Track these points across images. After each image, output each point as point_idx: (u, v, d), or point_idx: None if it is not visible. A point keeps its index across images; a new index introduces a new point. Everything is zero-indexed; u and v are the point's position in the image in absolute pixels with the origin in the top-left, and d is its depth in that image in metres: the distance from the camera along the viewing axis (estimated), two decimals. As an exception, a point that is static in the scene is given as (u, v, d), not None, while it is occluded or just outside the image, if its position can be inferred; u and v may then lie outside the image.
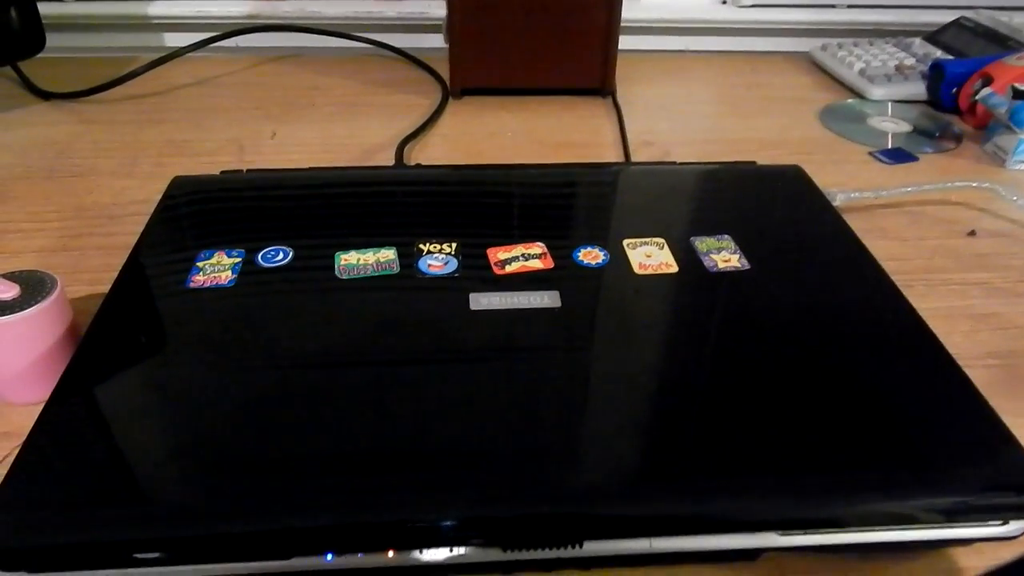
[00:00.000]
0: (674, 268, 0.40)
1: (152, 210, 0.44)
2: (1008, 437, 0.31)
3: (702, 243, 0.42)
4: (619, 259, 0.40)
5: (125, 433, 0.30)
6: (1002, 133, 0.62)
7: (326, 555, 0.28)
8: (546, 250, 0.41)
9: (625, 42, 0.72)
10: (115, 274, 0.38)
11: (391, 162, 0.58)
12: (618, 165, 0.57)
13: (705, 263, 0.40)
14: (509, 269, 0.39)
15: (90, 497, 0.27)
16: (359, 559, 0.28)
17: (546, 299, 0.37)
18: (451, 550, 0.28)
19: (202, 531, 0.27)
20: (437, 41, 0.73)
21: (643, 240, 0.42)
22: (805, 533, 0.29)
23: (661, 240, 0.42)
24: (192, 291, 0.37)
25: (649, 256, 0.41)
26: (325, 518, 0.27)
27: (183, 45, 0.71)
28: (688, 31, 0.87)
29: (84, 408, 0.31)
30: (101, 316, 0.36)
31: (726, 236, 0.42)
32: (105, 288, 0.38)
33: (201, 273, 0.38)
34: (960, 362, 0.35)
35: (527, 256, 0.40)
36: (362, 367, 0.33)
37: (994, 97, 0.63)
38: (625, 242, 0.42)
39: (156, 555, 0.27)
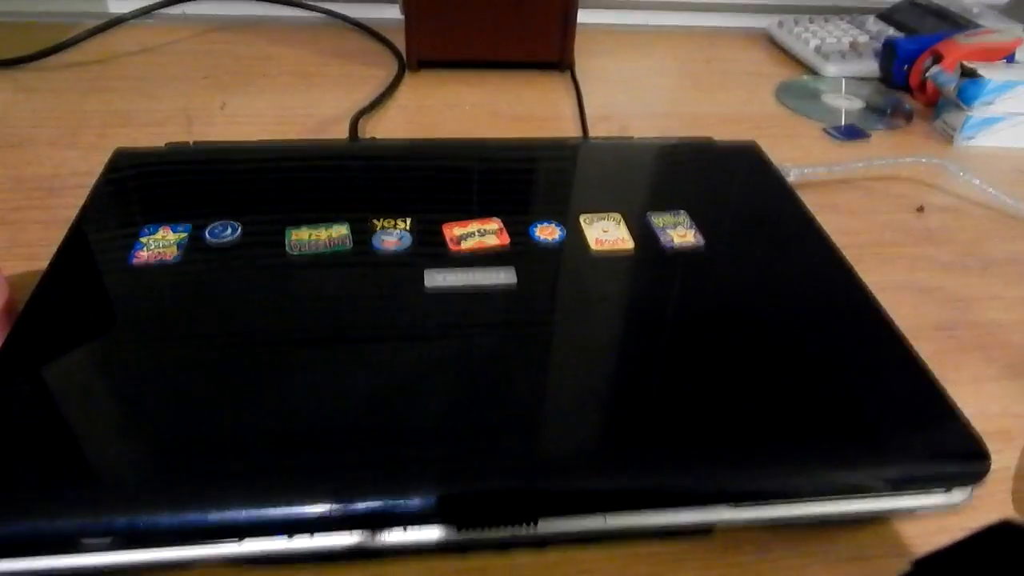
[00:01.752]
0: (630, 244, 0.40)
1: (94, 183, 0.42)
2: (950, 408, 0.32)
3: (658, 219, 0.42)
4: (576, 235, 0.40)
5: (65, 415, 0.29)
6: (951, 110, 0.63)
7: (278, 537, 0.27)
8: (502, 226, 0.40)
9: (584, 16, 0.71)
10: (54, 249, 0.37)
11: (345, 135, 0.57)
12: (576, 140, 0.57)
13: (661, 239, 0.40)
14: (465, 245, 0.39)
15: (30, 481, 0.26)
16: (312, 540, 0.27)
17: (502, 276, 0.37)
18: (405, 530, 0.28)
19: (148, 515, 0.26)
20: (393, 12, 0.71)
21: (600, 216, 0.42)
22: (757, 505, 0.29)
23: (618, 216, 0.42)
24: (135, 267, 0.36)
25: (606, 232, 0.41)
26: (276, 500, 0.27)
27: (128, 11, 0.68)
28: (647, 6, 0.86)
29: (21, 389, 0.30)
30: (39, 293, 0.34)
31: (682, 212, 0.43)
32: (44, 264, 0.36)
33: (145, 249, 0.37)
34: (907, 334, 0.35)
35: (483, 232, 0.40)
36: (313, 345, 0.33)
37: (943, 75, 0.64)
38: (582, 218, 0.42)
39: (104, 540, 0.26)
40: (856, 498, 0.30)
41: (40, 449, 0.27)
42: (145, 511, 0.26)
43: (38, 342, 0.32)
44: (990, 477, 0.30)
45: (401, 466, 0.28)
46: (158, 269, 0.36)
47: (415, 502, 0.27)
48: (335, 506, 0.27)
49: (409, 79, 0.68)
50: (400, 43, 0.70)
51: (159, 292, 0.35)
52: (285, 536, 0.27)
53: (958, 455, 0.30)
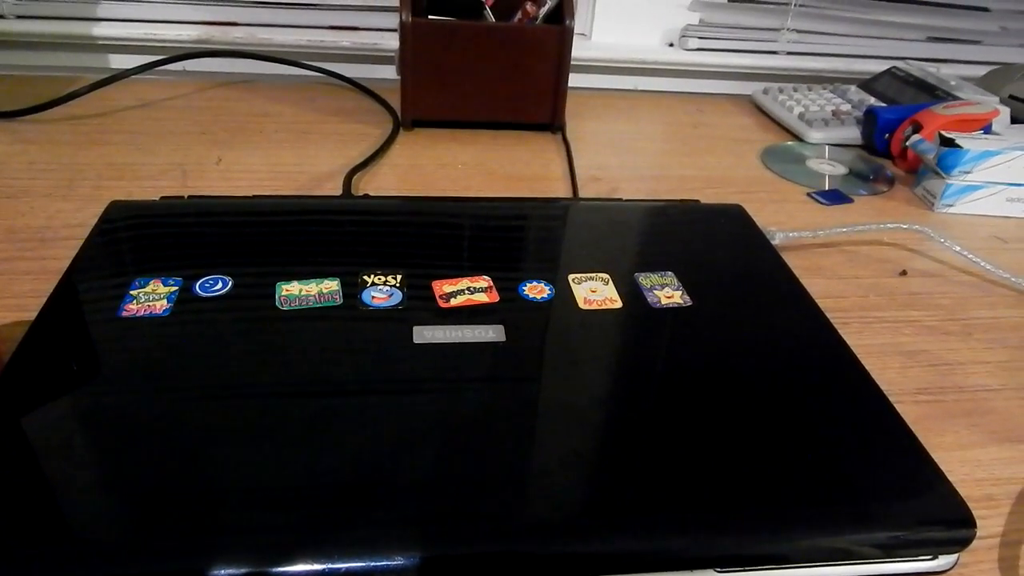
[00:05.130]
0: (618, 303, 0.40)
1: (87, 235, 0.43)
2: (936, 473, 0.32)
3: (646, 279, 0.42)
4: (564, 294, 0.41)
5: (49, 467, 0.28)
6: (931, 177, 0.65)
7: (256, 597, 0.27)
8: (492, 284, 0.41)
9: (576, 80, 0.73)
10: (44, 300, 0.37)
11: (339, 191, 0.58)
12: (566, 200, 0.58)
13: (648, 299, 0.41)
14: (454, 302, 0.39)
15: (9, 534, 0.26)
16: (291, 600, 0.27)
17: (490, 333, 0.37)
18: (387, 590, 0.27)
19: (129, 570, 0.26)
20: (389, 72, 0.73)
21: (588, 275, 0.42)
22: (743, 570, 0.29)
23: (606, 275, 0.42)
24: (124, 320, 0.36)
25: (594, 291, 0.41)
26: (258, 558, 0.26)
27: (128, 67, 0.70)
28: (637, 71, 0.89)
29: (5, 439, 0.29)
30: (26, 344, 0.34)
31: (669, 272, 0.43)
32: (32, 314, 0.36)
33: (135, 302, 0.37)
34: (892, 398, 0.36)
35: (472, 289, 0.40)
36: (301, 400, 0.32)
37: (923, 143, 0.66)
38: (570, 277, 0.42)
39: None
40: (842, 563, 0.29)
41: (26, 502, 0.27)
42: (120, 565, 0.26)
43: (25, 393, 0.32)
44: (976, 543, 0.30)
45: (384, 526, 0.28)
46: (147, 322, 0.36)
47: (397, 562, 0.27)
48: (316, 566, 0.26)
49: (403, 137, 0.70)
50: (395, 102, 0.72)
51: (147, 345, 0.35)
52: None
53: (944, 521, 0.30)
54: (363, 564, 0.26)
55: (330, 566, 0.26)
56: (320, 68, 0.79)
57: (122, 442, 0.30)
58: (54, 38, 0.77)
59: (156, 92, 0.74)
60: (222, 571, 0.26)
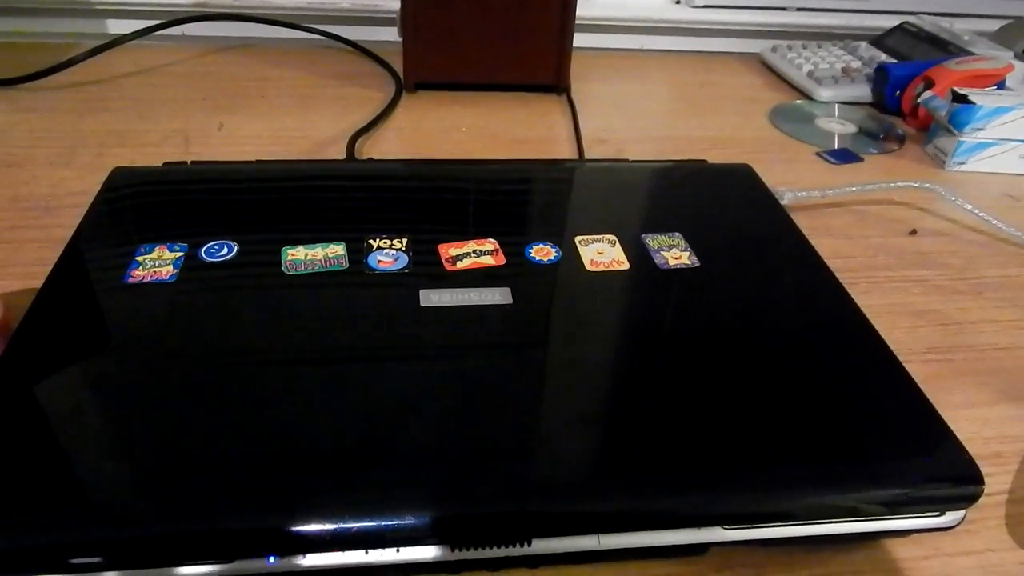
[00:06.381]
0: (625, 265, 0.40)
1: (91, 202, 0.42)
2: (945, 431, 0.31)
3: (653, 240, 0.42)
4: (571, 256, 0.40)
5: (58, 433, 0.29)
6: (942, 135, 0.64)
7: (268, 557, 0.27)
8: (498, 246, 0.41)
9: (580, 40, 0.72)
10: (50, 268, 0.37)
11: (342, 156, 0.57)
12: (571, 162, 0.58)
13: (656, 260, 0.41)
14: (460, 265, 0.39)
15: (23, 499, 0.26)
16: (303, 561, 0.27)
17: (497, 296, 0.37)
18: (398, 550, 0.27)
19: (141, 533, 0.26)
20: (391, 34, 0.72)
21: (595, 237, 0.42)
22: (750, 527, 0.29)
23: (613, 237, 0.42)
24: (131, 286, 0.36)
25: (601, 253, 0.41)
26: (267, 519, 0.26)
27: (126, 32, 0.69)
28: (642, 30, 0.88)
29: (15, 407, 0.29)
30: (34, 311, 0.34)
31: (677, 233, 0.43)
32: (39, 282, 0.36)
33: (141, 268, 0.37)
34: (901, 357, 0.35)
35: (479, 252, 0.40)
36: (308, 365, 0.33)
37: (935, 100, 0.64)
38: (577, 239, 0.42)
39: (94, 559, 0.26)
40: (849, 520, 0.30)
41: (34, 467, 0.27)
42: (132, 528, 0.26)
43: (33, 360, 0.32)
44: (983, 500, 0.30)
45: (395, 486, 0.28)
46: (153, 288, 0.36)
47: (408, 522, 0.27)
48: (328, 526, 0.26)
49: (406, 101, 0.69)
50: (398, 65, 0.71)
51: (154, 311, 0.35)
52: (276, 556, 0.27)
53: (952, 478, 0.30)
54: (373, 524, 0.27)
55: (341, 526, 0.26)
56: (321, 31, 0.77)
57: (131, 407, 0.30)
58: (51, 3, 0.76)
59: (155, 58, 0.73)
60: (232, 532, 0.26)
